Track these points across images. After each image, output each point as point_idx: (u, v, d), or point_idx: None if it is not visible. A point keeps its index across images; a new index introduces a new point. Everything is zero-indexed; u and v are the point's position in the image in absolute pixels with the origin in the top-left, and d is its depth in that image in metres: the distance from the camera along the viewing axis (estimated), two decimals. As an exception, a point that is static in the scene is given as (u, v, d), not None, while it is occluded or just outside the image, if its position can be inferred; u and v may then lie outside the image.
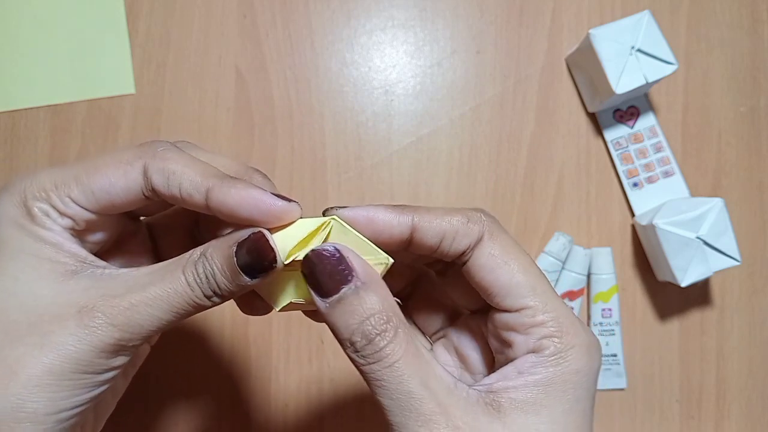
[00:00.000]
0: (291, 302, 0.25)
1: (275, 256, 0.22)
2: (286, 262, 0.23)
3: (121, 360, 0.22)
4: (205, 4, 0.47)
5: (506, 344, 0.23)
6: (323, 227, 0.23)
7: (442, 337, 0.28)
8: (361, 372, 0.22)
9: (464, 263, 0.24)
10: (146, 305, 0.22)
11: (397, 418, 0.21)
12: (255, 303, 0.26)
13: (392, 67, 0.47)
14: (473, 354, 0.26)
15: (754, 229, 0.47)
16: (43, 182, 0.23)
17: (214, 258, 0.22)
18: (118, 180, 0.23)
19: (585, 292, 0.46)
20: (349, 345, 0.22)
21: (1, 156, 0.46)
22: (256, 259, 0.22)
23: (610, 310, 0.45)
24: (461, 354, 0.27)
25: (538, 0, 0.48)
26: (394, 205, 0.24)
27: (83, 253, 0.23)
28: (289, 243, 0.23)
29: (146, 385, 0.44)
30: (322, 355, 0.45)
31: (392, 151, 0.47)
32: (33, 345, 0.21)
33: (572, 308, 0.45)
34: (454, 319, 0.28)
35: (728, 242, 0.41)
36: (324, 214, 0.24)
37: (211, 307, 0.23)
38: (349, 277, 0.22)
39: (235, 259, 0.22)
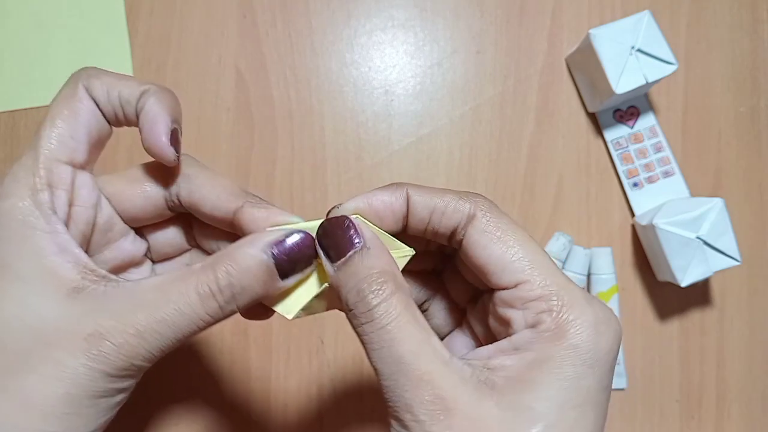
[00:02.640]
0: (303, 309, 0.25)
1: (315, 249, 0.23)
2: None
3: (131, 382, 0.23)
4: (205, 4, 0.47)
5: (504, 322, 0.23)
6: None
7: (462, 316, 0.28)
8: (357, 335, 0.22)
9: (460, 245, 0.24)
10: (154, 330, 0.21)
11: (387, 382, 0.21)
12: (256, 308, 0.26)
13: (392, 67, 0.47)
14: (483, 335, 0.26)
15: (754, 229, 0.47)
16: (34, 162, 0.23)
17: (241, 265, 0.22)
18: (79, 109, 0.24)
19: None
20: (345, 304, 0.22)
21: (1, 156, 0.46)
22: (302, 254, 0.23)
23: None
24: (475, 335, 0.27)
25: (538, 0, 0.48)
26: (388, 185, 0.24)
27: (84, 258, 0.23)
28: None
29: (146, 385, 0.44)
30: (322, 355, 0.45)
31: (392, 151, 0.47)
32: (47, 376, 0.21)
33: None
34: (475, 299, 0.28)
35: (728, 242, 0.41)
36: (328, 215, 0.24)
37: (225, 318, 0.23)
38: (357, 242, 0.22)
39: (272, 260, 0.22)
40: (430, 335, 0.21)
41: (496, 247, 0.22)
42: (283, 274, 0.23)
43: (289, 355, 0.45)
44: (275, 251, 0.22)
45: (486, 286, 0.24)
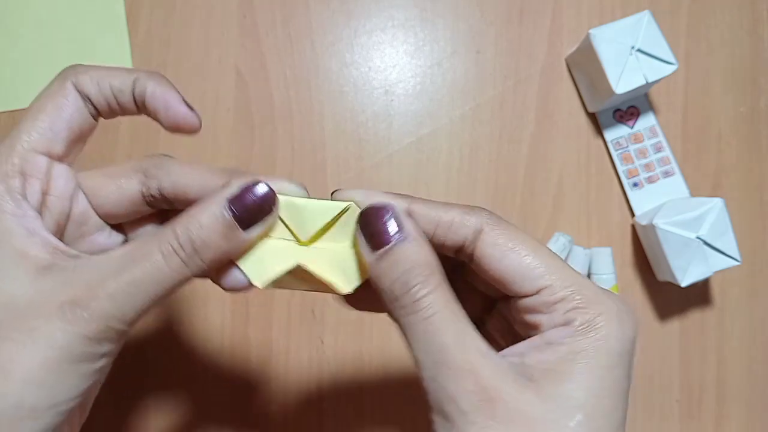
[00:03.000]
0: (273, 282, 0.25)
1: (275, 197, 0.23)
2: (312, 245, 0.24)
3: (110, 346, 0.22)
4: (205, 4, 0.47)
5: (533, 327, 0.23)
6: (343, 213, 0.24)
7: (479, 326, 0.28)
8: (400, 326, 0.23)
9: (471, 259, 0.24)
10: (124, 291, 0.22)
11: (428, 372, 0.21)
12: (234, 275, 0.26)
13: (392, 67, 0.47)
14: (504, 343, 0.26)
15: (754, 229, 0.47)
16: (9, 150, 0.23)
17: (198, 219, 0.22)
18: (63, 104, 0.24)
19: (585, 292, 0.46)
20: (389, 294, 0.22)
21: (1, 156, 0.46)
22: (258, 203, 0.23)
23: (610, 310, 0.45)
24: (495, 343, 0.27)
25: (538, 0, 0.48)
26: (394, 193, 0.24)
27: (54, 240, 0.23)
28: (309, 228, 0.24)
29: (146, 386, 0.44)
30: (322, 355, 0.45)
31: (392, 151, 0.47)
32: (21, 342, 0.21)
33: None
34: (489, 308, 0.28)
35: (728, 242, 0.41)
36: (332, 195, 0.25)
37: (196, 276, 0.23)
38: (399, 232, 0.23)
39: (229, 212, 0.22)
40: (471, 328, 0.22)
41: (511, 258, 0.23)
42: (243, 224, 0.23)
43: (289, 355, 0.45)
44: (232, 203, 0.23)
45: (500, 294, 0.25)
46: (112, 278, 0.22)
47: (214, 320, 0.45)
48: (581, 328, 0.22)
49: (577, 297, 0.22)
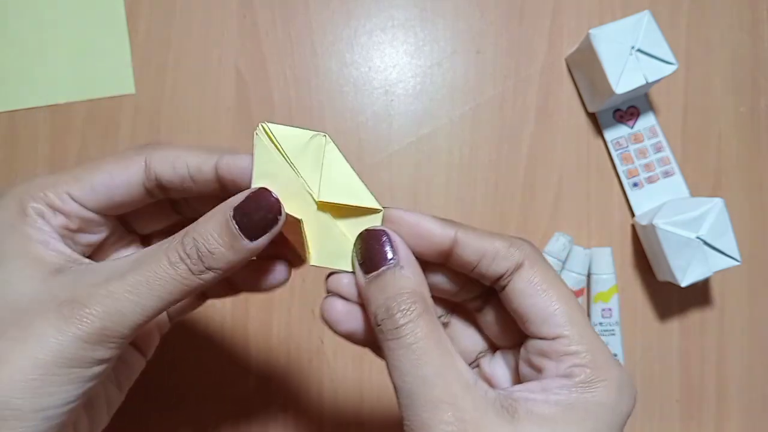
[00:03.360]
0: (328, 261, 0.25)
1: (280, 207, 0.23)
2: (327, 213, 0.24)
3: (107, 352, 0.22)
4: (205, 4, 0.47)
5: (537, 369, 0.24)
6: (370, 213, 0.25)
7: (475, 367, 0.28)
8: (383, 350, 0.23)
9: (503, 288, 0.24)
10: (126, 292, 0.22)
11: (405, 400, 0.21)
12: (269, 269, 0.27)
13: (392, 67, 0.47)
14: (503, 385, 0.27)
15: (754, 229, 0.47)
16: (42, 183, 0.24)
17: (204, 229, 0.23)
18: (119, 173, 0.24)
19: (585, 292, 0.46)
20: (373, 318, 0.23)
21: (1, 156, 0.46)
22: (262, 213, 0.23)
23: (610, 310, 0.45)
24: (492, 384, 0.27)
25: (538, 0, 0.48)
26: (442, 218, 0.25)
27: (68, 251, 0.24)
28: (330, 193, 0.24)
29: (146, 386, 0.44)
30: (322, 355, 0.45)
31: (392, 151, 0.47)
32: (14, 339, 0.21)
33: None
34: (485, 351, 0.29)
35: (728, 242, 0.41)
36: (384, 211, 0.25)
37: (203, 286, 0.23)
38: (391, 258, 0.23)
39: (234, 222, 0.23)
40: (454, 358, 0.22)
41: (540, 299, 0.23)
42: (249, 234, 0.23)
43: (289, 355, 0.45)
44: (237, 214, 0.23)
45: (511, 342, 0.26)
46: (116, 279, 0.22)
47: (214, 320, 0.45)
48: (581, 384, 0.22)
49: (588, 356, 0.22)
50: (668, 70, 0.42)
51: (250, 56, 0.47)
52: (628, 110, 0.47)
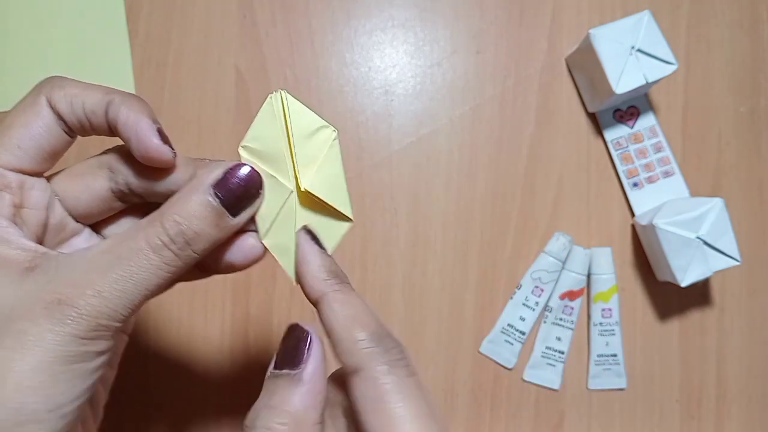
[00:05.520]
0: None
1: (261, 181, 0.23)
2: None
3: (105, 344, 0.22)
4: (205, 4, 0.47)
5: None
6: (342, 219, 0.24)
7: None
8: None
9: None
10: (113, 289, 0.21)
11: None
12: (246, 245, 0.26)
13: (392, 67, 0.47)
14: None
15: (754, 229, 0.47)
16: None
17: (186, 209, 0.22)
18: (33, 121, 0.23)
19: (585, 292, 0.46)
20: (249, 421, 0.22)
21: (1, 156, 0.46)
22: (243, 188, 0.22)
23: (610, 310, 0.45)
24: None
25: (538, 0, 0.48)
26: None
27: (32, 245, 0.23)
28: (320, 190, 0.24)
29: (146, 386, 0.44)
30: (322, 355, 0.45)
31: (392, 151, 0.47)
32: (11, 348, 0.20)
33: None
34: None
35: (728, 242, 0.41)
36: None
37: (187, 268, 0.23)
38: (298, 365, 0.22)
39: (217, 199, 0.22)
40: None
41: None
42: (233, 210, 0.23)
43: (289, 355, 0.45)
44: (217, 190, 0.22)
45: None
46: (100, 275, 0.21)
47: (214, 320, 0.45)
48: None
49: None
50: (668, 70, 0.42)
51: (250, 56, 0.47)
52: (628, 110, 0.47)
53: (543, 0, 0.48)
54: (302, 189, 0.24)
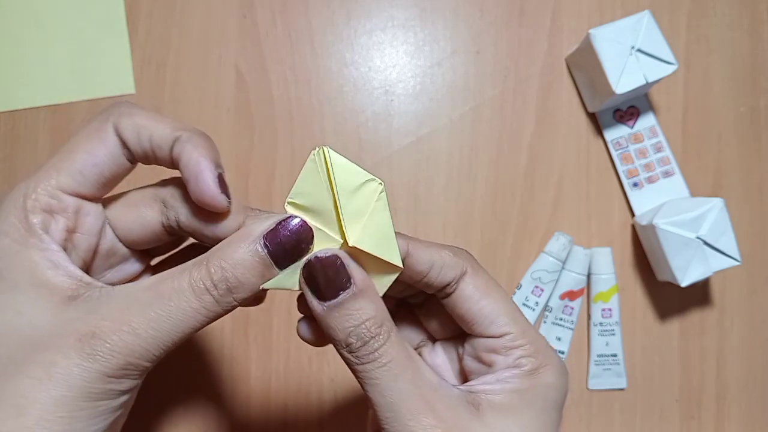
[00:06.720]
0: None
1: (313, 236, 0.23)
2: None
3: (130, 383, 0.22)
4: (205, 4, 0.47)
5: (487, 364, 0.26)
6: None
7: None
8: (354, 371, 0.23)
9: (448, 295, 0.26)
10: (150, 328, 0.21)
11: (387, 414, 0.23)
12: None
13: (392, 67, 0.47)
14: (445, 374, 0.28)
15: (754, 229, 0.47)
16: (30, 189, 0.23)
17: (233, 257, 0.22)
18: (97, 147, 0.23)
19: (585, 292, 0.46)
20: (344, 346, 0.23)
21: (1, 156, 0.46)
22: (294, 242, 0.23)
23: (610, 310, 0.45)
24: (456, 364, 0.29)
25: (538, 0, 0.48)
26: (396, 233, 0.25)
27: (78, 273, 0.23)
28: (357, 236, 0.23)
29: (145, 386, 0.44)
30: (322, 355, 0.45)
31: (392, 151, 0.47)
32: (37, 378, 0.20)
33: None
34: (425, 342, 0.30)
35: (728, 242, 0.41)
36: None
37: (223, 315, 0.23)
38: (348, 284, 0.23)
39: (265, 250, 0.22)
40: (422, 366, 0.24)
41: (487, 303, 0.25)
42: (279, 263, 0.23)
43: (289, 355, 0.45)
44: (269, 241, 0.22)
45: (450, 335, 0.28)
46: (138, 312, 0.21)
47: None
48: (529, 372, 0.25)
49: (532, 347, 0.25)
50: (668, 70, 0.42)
51: (250, 56, 0.47)
52: (628, 110, 0.47)
53: (543, 0, 0.48)
54: (350, 245, 0.23)
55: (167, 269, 0.23)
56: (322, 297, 0.23)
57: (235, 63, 0.47)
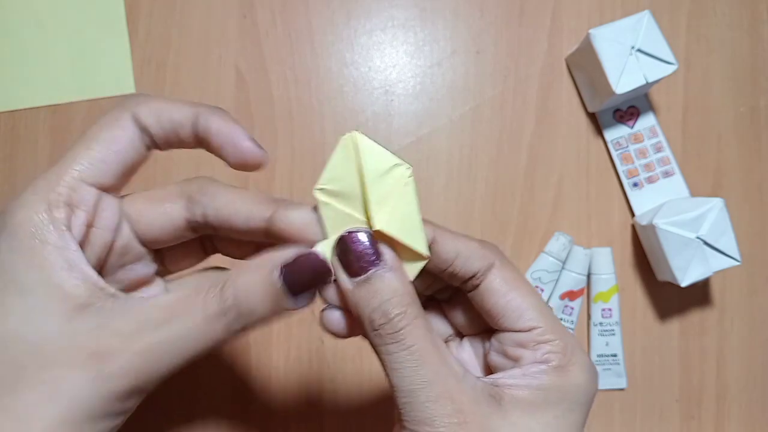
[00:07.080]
0: None
1: (330, 271, 0.23)
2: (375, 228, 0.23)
3: (133, 404, 0.22)
4: (205, 4, 0.47)
5: (513, 358, 0.25)
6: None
7: None
8: (378, 353, 0.23)
9: (475, 287, 0.25)
10: (160, 350, 0.21)
11: (406, 399, 0.22)
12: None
13: (392, 67, 0.47)
14: (471, 369, 0.28)
15: (754, 229, 0.47)
16: (50, 182, 0.22)
17: (248, 285, 0.22)
18: (118, 136, 0.23)
19: (585, 292, 0.46)
20: (368, 323, 0.23)
21: (1, 156, 0.46)
22: (311, 276, 0.23)
23: (610, 310, 0.45)
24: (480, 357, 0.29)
25: (538, 0, 0.48)
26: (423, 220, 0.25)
27: (94, 276, 0.22)
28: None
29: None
30: (322, 355, 0.45)
31: (392, 151, 0.47)
32: (44, 394, 0.20)
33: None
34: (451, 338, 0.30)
35: (728, 242, 0.41)
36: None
37: (232, 341, 0.23)
38: (377, 261, 0.23)
39: (281, 281, 0.22)
40: (447, 354, 0.23)
41: (514, 296, 0.25)
42: (294, 294, 0.22)
43: (289, 355, 0.45)
44: (286, 273, 0.22)
45: (476, 331, 0.28)
46: (149, 332, 0.21)
47: (214, 320, 0.45)
48: (557, 369, 0.24)
49: (561, 343, 0.24)
50: (668, 70, 0.42)
51: (250, 56, 0.47)
52: (628, 110, 0.47)
53: (543, 0, 0.48)
54: (375, 229, 0.23)
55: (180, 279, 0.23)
56: (353, 272, 0.23)
57: (235, 63, 0.47)
